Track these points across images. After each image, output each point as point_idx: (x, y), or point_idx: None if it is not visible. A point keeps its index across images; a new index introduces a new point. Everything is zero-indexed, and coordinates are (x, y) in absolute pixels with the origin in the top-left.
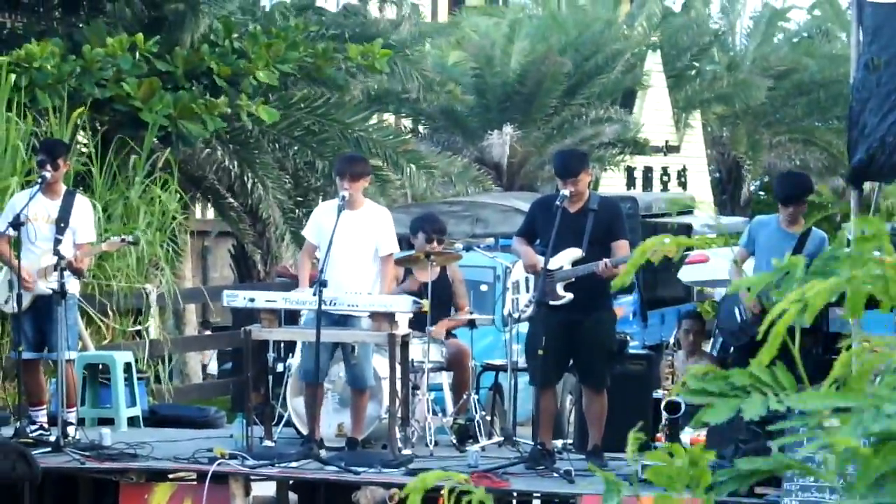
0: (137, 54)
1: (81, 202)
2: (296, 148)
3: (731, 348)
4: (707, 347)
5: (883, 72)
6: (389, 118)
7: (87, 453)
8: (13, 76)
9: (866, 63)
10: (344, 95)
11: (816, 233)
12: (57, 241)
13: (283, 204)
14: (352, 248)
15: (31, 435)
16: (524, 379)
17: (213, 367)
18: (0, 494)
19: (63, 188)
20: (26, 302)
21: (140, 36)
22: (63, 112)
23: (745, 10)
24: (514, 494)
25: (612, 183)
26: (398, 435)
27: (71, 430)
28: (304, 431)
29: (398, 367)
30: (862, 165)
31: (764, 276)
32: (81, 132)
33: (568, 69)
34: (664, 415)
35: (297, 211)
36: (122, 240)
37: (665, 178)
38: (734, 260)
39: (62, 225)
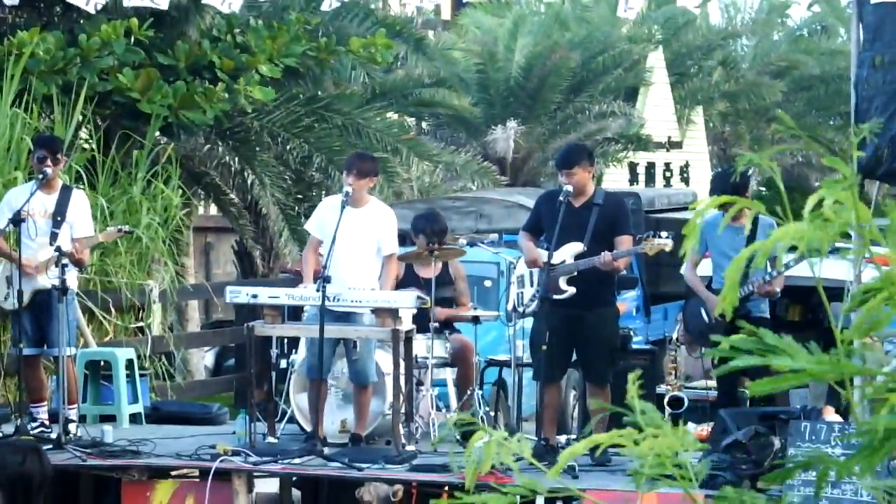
0: (133, 39)
1: (78, 196)
2: (296, 143)
3: (701, 349)
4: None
5: (888, 70)
6: (393, 116)
7: (88, 450)
8: (6, 65)
9: (871, 61)
10: (345, 88)
11: (764, 220)
12: (53, 236)
13: (282, 201)
14: (354, 245)
15: (32, 432)
16: (528, 374)
17: (209, 361)
18: (13, 490)
19: (59, 183)
20: (26, 298)
21: (134, 20)
22: (67, 106)
23: (744, 7)
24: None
25: (615, 179)
26: (402, 431)
27: (72, 427)
28: (308, 428)
29: (402, 363)
30: (869, 164)
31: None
32: (84, 128)
33: (575, 63)
34: (667, 410)
35: (296, 207)
36: (119, 229)
37: (668, 174)
38: (686, 263)
39: (59, 219)
